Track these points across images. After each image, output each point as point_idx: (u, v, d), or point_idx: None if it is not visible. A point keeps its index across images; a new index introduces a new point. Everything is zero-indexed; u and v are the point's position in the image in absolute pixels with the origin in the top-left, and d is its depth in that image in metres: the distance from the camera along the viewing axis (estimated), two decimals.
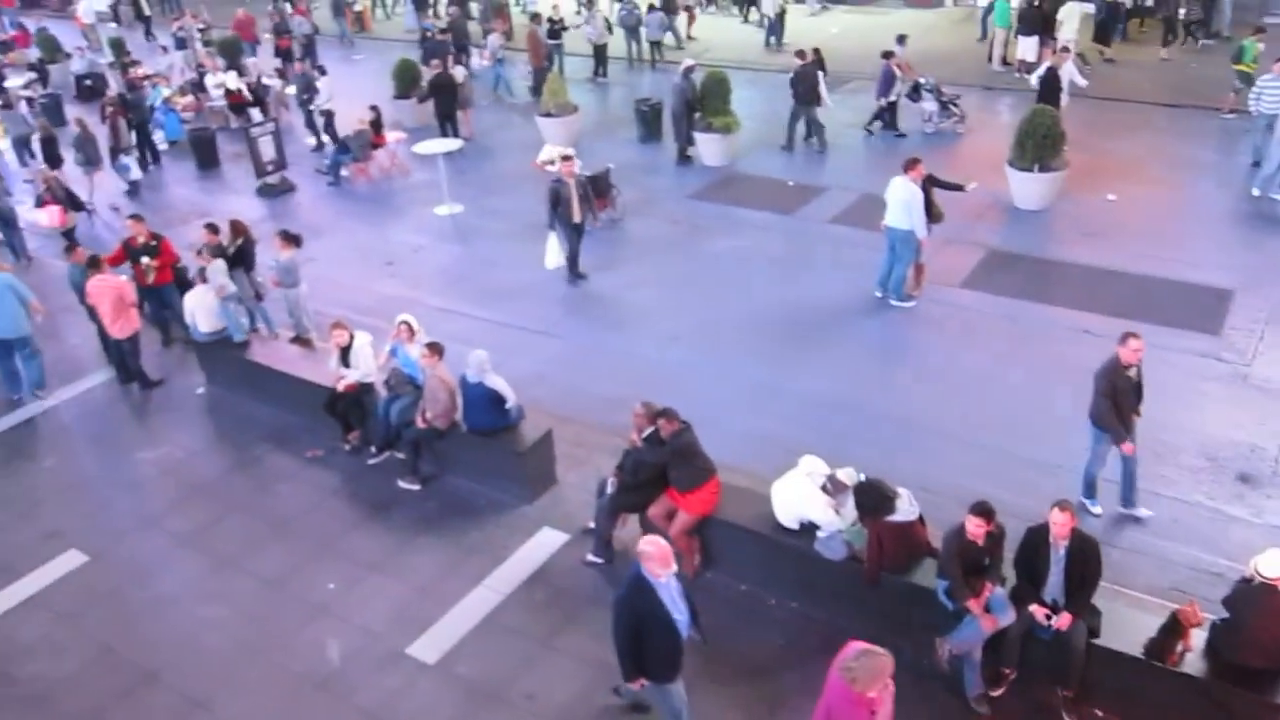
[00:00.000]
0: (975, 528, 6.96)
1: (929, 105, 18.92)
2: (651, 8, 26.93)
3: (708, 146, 18.14)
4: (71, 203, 16.31)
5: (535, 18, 22.91)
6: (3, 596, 9.32)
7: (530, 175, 17.17)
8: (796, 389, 11.38)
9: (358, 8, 30.70)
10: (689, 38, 26.39)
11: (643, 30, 25.22)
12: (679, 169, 18.19)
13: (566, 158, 14.47)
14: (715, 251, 12.43)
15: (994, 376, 11.33)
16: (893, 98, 18.85)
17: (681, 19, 26.66)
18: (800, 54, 18.64)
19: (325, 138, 20.35)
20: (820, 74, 18.40)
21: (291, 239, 12.68)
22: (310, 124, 20.61)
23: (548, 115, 19.46)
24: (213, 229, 12.98)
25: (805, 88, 18.15)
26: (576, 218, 13.89)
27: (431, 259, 15.75)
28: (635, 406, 8.68)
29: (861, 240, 14.43)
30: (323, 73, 20.70)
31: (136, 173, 18.92)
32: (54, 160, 18.34)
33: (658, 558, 6.24)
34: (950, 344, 12.14)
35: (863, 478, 7.83)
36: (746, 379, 11.67)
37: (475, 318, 13.47)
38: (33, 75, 25.45)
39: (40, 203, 16.19)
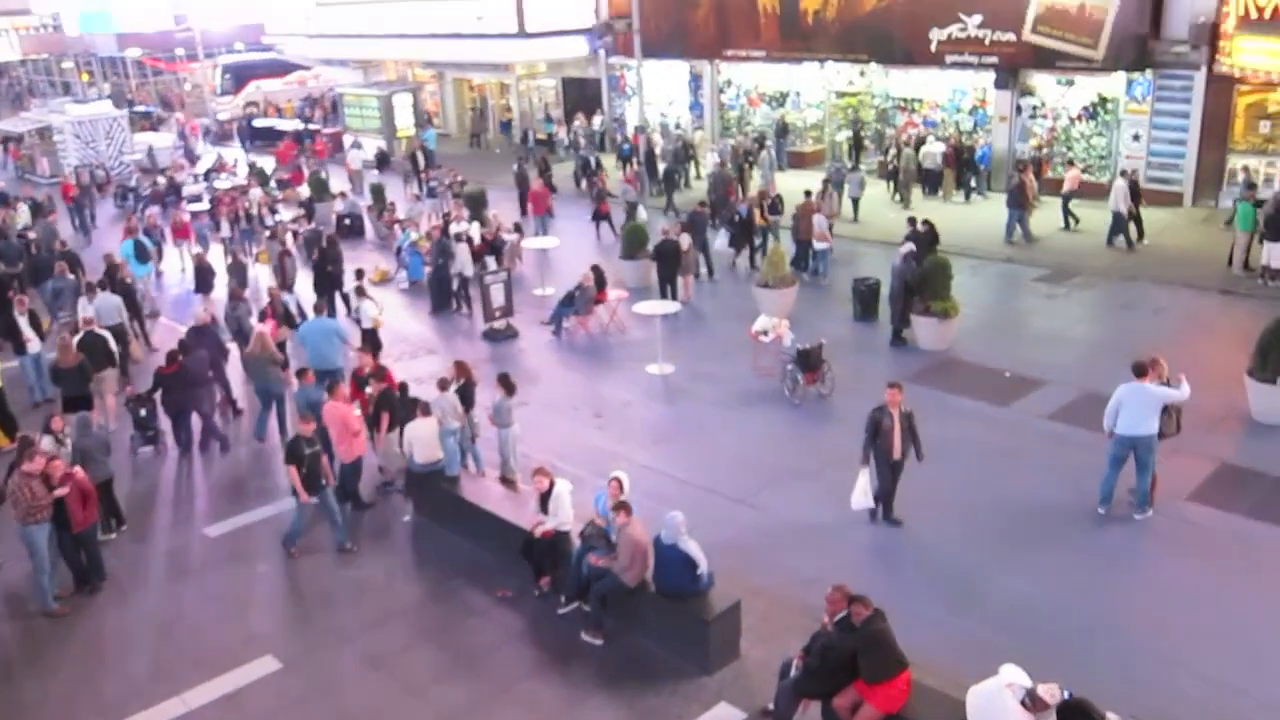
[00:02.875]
0: None
1: None
2: (854, 167, 27.33)
3: (924, 330, 17.98)
4: (288, 320, 17.63)
5: (809, 194, 23.13)
6: (201, 691, 9.82)
7: (743, 343, 17.42)
8: (1002, 590, 10.83)
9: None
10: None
11: (845, 186, 25.90)
12: (893, 350, 18.05)
13: (893, 385, 12.09)
14: (924, 437, 12.19)
15: (1221, 601, 10.45)
16: None
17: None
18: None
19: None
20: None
21: (508, 383, 13.30)
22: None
23: (765, 286, 19.82)
24: (461, 366, 13.93)
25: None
26: (896, 453, 11.94)
27: (639, 415, 16.09)
28: (829, 589, 8.46)
29: (1079, 440, 13.82)
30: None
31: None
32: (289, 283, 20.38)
33: None
34: (1175, 561, 11.33)
35: (1068, 696, 7.30)
36: (949, 571, 11.21)
37: (676, 478, 13.58)
38: (301, 211, 28.08)
39: (262, 316, 17.62)
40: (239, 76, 52.96)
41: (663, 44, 32.65)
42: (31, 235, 23.70)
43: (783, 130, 32.42)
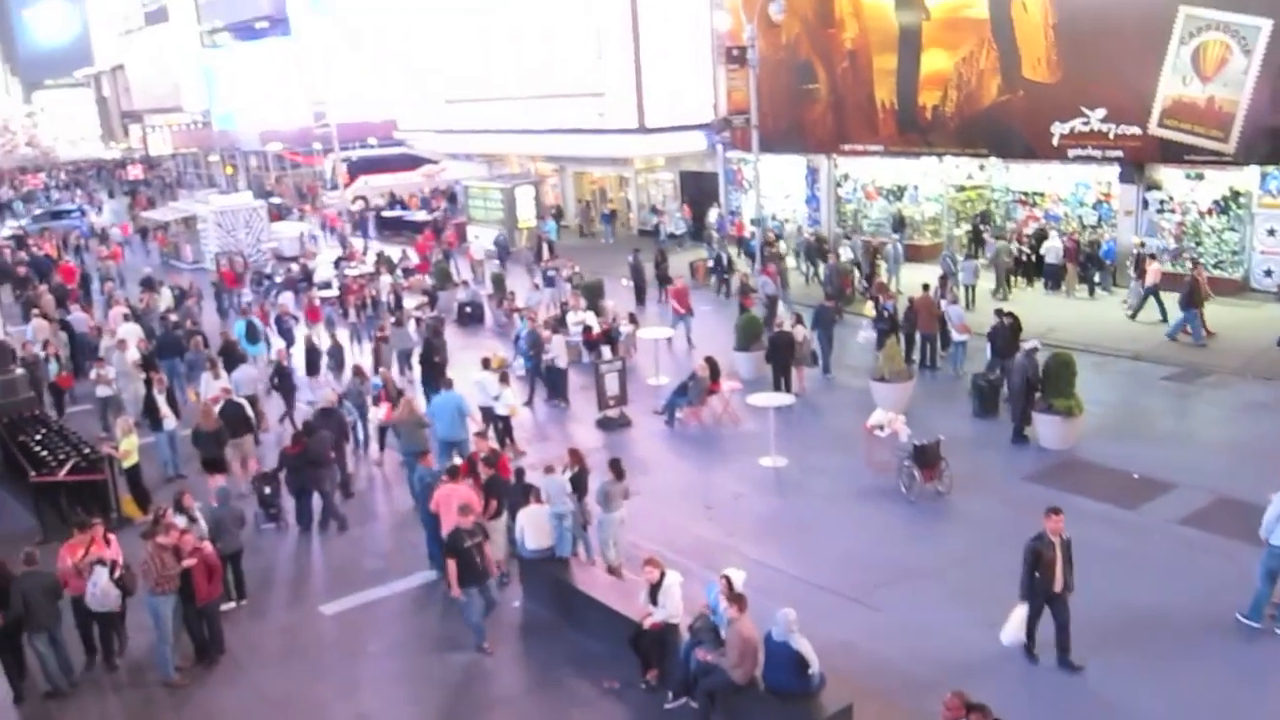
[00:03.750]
0: None
1: None
2: (969, 255, 26.86)
3: (1047, 428, 17.46)
4: (399, 400, 18.04)
5: (927, 288, 22.88)
6: None
7: (857, 438, 17.18)
8: (1133, 709, 10.27)
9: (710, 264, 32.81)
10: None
11: (959, 275, 25.75)
12: (1014, 448, 17.54)
13: (1054, 511, 11.14)
14: None
15: None
16: None
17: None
18: None
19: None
20: None
21: (618, 468, 13.41)
22: None
23: (881, 380, 19.57)
24: (575, 454, 14.16)
25: None
26: (1058, 585, 10.91)
27: (751, 508, 15.93)
28: (947, 695, 8.16)
29: (1214, 547, 13.18)
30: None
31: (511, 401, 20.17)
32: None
33: None
34: None
35: None
36: (1072, 685, 10.69)
37: (788, 574, 13.33)
38: (424, 299, 28.97)
39: (376, 399, 18.43)
40: (350, 172, 55.61)
41: (780, 139, 33.05)
42: (173, 318, 24.99)
43: (900, 224, 32.32)
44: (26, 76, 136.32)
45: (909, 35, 30.13)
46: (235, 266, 34.05)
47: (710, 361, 19.88)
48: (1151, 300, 23.95)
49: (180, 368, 22.12)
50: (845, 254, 29.42)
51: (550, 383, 21.47)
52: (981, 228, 30.55)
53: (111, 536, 12.57)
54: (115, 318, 25.46)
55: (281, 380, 20.44)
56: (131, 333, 23.28)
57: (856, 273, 28.66)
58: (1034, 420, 17.59)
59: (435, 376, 20.59)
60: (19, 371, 20.16)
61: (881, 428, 16.58)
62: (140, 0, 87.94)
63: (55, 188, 77.65)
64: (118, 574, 11.89)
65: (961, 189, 32.13)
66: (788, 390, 20.00)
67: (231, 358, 20.85)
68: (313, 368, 23.16)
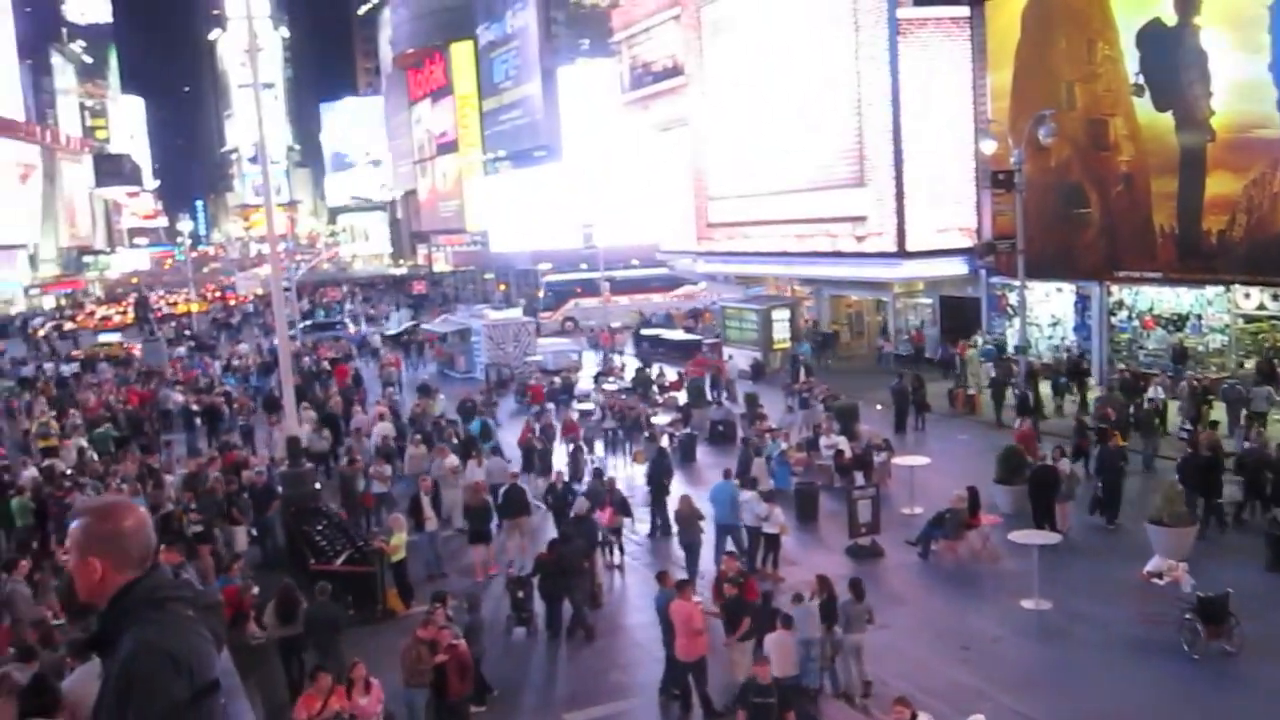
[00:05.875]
0: None
1: None
2: (1259, 383, 24.60)
3: None
4: (623, 509, 19.42)
5: (1215, 425, 21.15)
6: None
7: (1129, 585, 15.92)
8: None
9: (970, 391, 31.75)
10: None
11: (1249, 403, 23.69)
12: None
13: None
14: None
15: None
16: None
17: None
18: None
19: None
20: None
21: (859, 588, 13.45)
22: None
23: (1158, 523, 18.12)
24: (823, 581, 13.84)
25: None
26: None
27: (1010, 653, 14.97)
28: None
29: None
30: None
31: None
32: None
33: None
34: None
35: None
36: None
37: None
38: (677, 416, 29.50)
39: (602, 504, 18.94)
40: (559, 294, 57.87)
41: (1047, 264, 31.90)
42: (444, 422, 26.68)
43: (1180, 356, 30.17)
44: (331, 203, 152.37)
45: (1191, 157, 28.57)
46: (501, 377, 35.79)
47: (971, 492, 19.07)
48: None
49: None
50: (1155, 392, 27.10)
51: (800, 506, 21.25)
52: (1277, 362, 28.08)
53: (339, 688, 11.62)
54: (374, 418, 27.57)
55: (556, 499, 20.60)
56: (384, 431, 25.48)
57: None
58: None
59: (660, 494, 21.02)
60: (308, 465, 21.94)
61: (1160, 576, 15.30)
62: (433, 134, 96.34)
63: (353, 300, 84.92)
64: None
65: (1251, 320, 29.77)
66: (1051, 528, 18.86)
67: (469, 452, 22.91)
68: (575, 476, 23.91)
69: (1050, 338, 34.84)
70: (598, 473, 21.15)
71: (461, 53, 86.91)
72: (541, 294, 60.12)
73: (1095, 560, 18.51)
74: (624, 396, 30.90)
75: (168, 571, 3.57)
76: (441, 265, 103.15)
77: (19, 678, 7.22)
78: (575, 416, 28.74)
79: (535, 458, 24.40)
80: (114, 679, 3.34)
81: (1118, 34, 30.31)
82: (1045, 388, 29.76)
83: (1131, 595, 15.79)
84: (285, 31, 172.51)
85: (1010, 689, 13.62)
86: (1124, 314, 33.08)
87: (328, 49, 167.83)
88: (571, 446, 25.17)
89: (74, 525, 3.53)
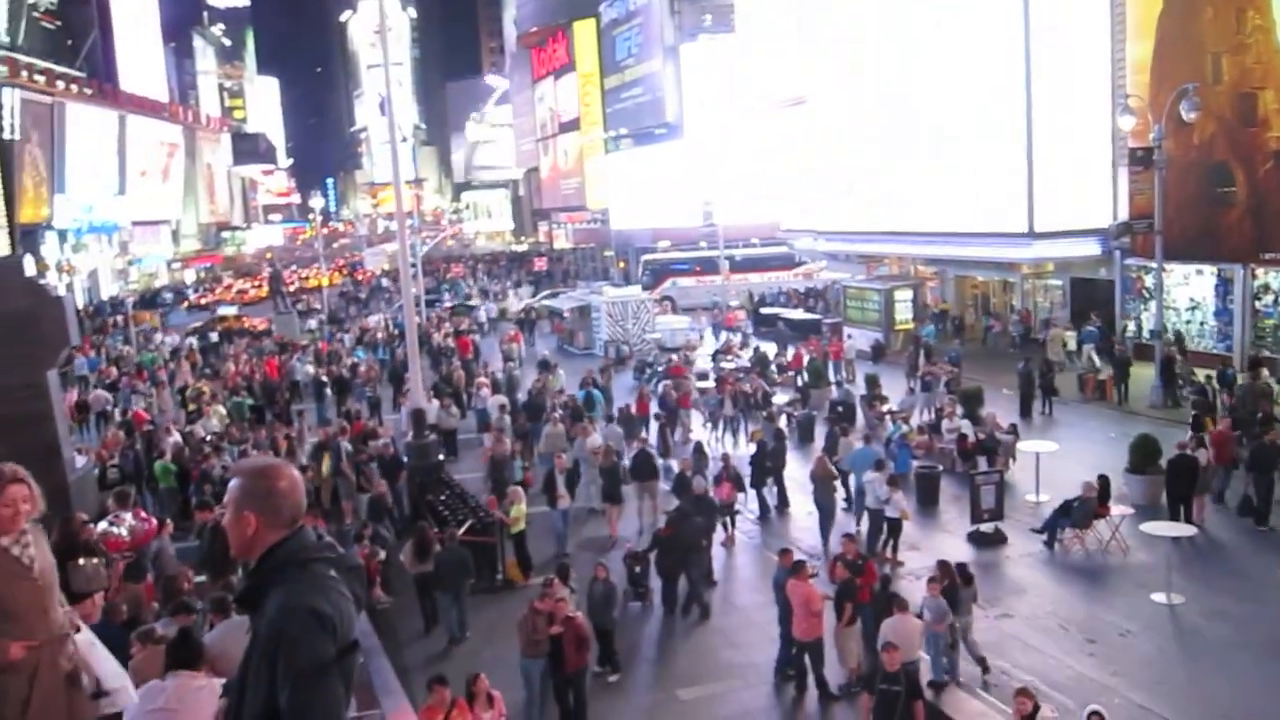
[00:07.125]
0: None
1: None
2: None
3: None
4: (738, 483, 19.95)
5: None
6: None
7: (1271, 583, 15.22)
8: None
9: (1101, 377, 30.66)
10: None
11: None
12: None
13: None
14: None
15: None
16: None
17: None
18: None
19: None
20: None
21: (966, 573, 13.66)
22: None
23: None
24: (945, 567, 13.84)
25: None
26: None
27: (1139, 648, 14.46)
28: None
29: None
30: None
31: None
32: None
33: None
34: None
35: None
36: None
37: None
38: (796, 395, 29.26)
39: (719, 480, 19.31)
40: (656, 273, 57.46)
41: (1187, 246, 30.56)
42: (537, 387, 28.66)
43: None
44: (456, 180, 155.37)
45: None
46: (620, 354, 36.00)
47: (1102, 480, 18.45)
48: None
49: (541, 428, 24.49)
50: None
51: (921, 490, 20.90)
52: None
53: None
54: (484, 392, 28.56)
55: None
56: (495, 404, 26.52)
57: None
58: None
59: (762, 476, 20.88)
60: (432, 437, 22.47)
61: None
62: (556, 112, 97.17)
63: (476, 274, 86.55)
64: None
65: None
66: (1187, 520, 18.14)
67: (577, 418, 24.26)
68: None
69: (1189, 322, 33.38)
70: (698, 447, 21.86)
71: (584, 31, 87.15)
72: (640, 272, 60.05)
73: (1234, 557, 17.76)
74: (741, 376, 30.75)
75: (312, 534, 3.70)
76: (562, 242, 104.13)
77: (165, 631, 7.64)
78: (694, 395, 28.75)
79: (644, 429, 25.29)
80: (263, 635, 3.49)
81: (1270, 2, 28.73)
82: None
83: (1271, 593, 15.11)
84: (413, 12, 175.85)
85: (1139, 685, 13.18)
86: (1269, 299, 31.49)
87: (453, 28, 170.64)
88: (664, 422, 25.85)
89: (232, 482, 3.70)
